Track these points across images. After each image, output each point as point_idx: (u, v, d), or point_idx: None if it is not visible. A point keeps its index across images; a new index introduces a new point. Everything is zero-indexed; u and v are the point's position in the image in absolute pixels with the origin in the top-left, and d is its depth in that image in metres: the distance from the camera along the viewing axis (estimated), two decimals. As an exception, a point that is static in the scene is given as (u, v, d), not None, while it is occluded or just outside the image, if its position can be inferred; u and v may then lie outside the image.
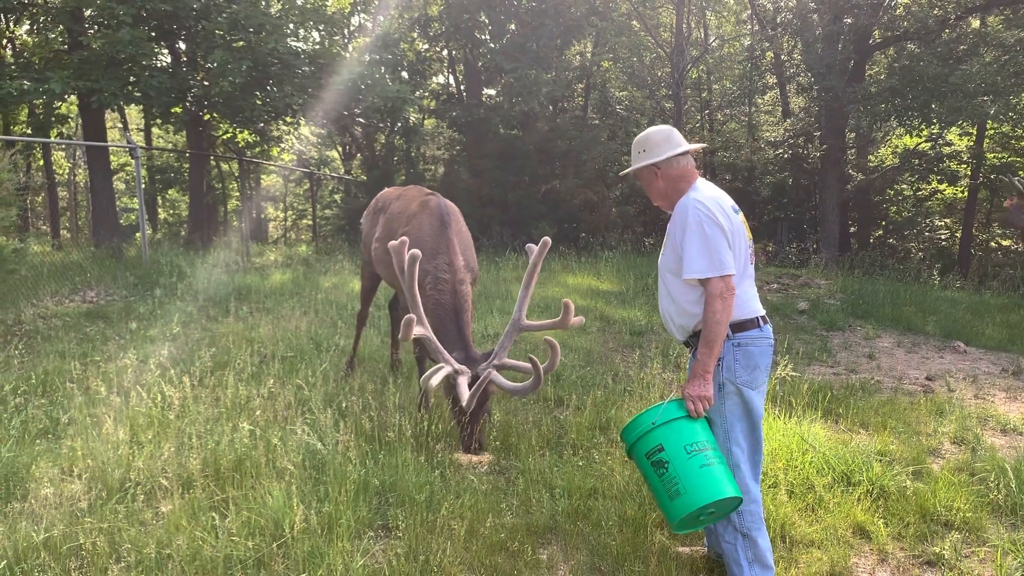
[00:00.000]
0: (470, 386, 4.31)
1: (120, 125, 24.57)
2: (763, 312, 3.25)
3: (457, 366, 4.43)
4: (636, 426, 3.14)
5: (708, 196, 3.14)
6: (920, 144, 18.61)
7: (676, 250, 3.16)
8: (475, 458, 4.53)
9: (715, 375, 3.13)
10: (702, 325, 3.06)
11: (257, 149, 20.09)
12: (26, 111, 17.86)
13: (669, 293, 3.29)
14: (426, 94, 19.96)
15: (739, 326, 3.14)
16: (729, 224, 3.09)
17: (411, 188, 6.02)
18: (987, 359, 8.07)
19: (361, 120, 18.88)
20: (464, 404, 4.24)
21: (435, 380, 4.23)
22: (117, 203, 19.00)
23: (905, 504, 4.09)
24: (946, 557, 3.61)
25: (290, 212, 29.33)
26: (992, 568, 3.55)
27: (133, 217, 24.34)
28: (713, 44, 23.66)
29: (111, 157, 16.71)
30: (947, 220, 20.74)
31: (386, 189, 6.40)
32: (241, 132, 18.07)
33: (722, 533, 3.22)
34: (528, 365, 4.24)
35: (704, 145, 3.58)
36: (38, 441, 4.55)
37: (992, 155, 18.17)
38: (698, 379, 3.05)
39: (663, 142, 3.25)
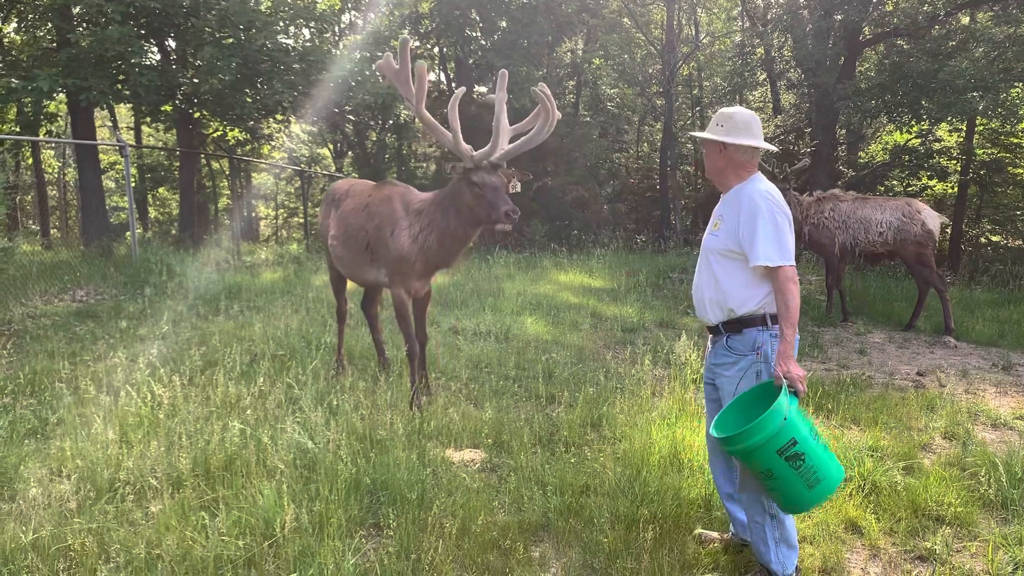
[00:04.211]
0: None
1: (110, 123, 24.43)
2: None
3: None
4: (764, 426, 2.92)
5: (773, 188, 3.26)
6: (910, 140, 18.68)
7: (734, 234, 3.22)
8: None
9: (753, 365, 3.21)
10: (781, 310, 3.11)
11: (248, 147, 20.02)
12: (14, 109, 17.71)
13: (714, 275, 3.33)
14: (417, 91, 19.87)
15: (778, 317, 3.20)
16: (789, 217, 3.21)
17: (359, 183, 6.19)
18: (977, 354, 8.10)
19: (352, 117, 18.84)
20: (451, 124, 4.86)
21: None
22: (107, 202, 18.89)
23: (896, 499, 4.10)
24: (937, 552, 3.62)
25: (281, 210, 29.20)
26: (983, 563, 3.56)
27: (123, 216, 24.22)
28: (704, 41, 23.69)
29: (101, 155, 16.61)
30: (937, 216, 20.76)
31: (337, 182, 6.50)
32: (231, 130, 18.02)
33: (751, 514, 3.27)
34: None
35: (776, 149, 3.56)
36: (26, 441, 4.51)
37: (982, 151, 18.25)
38: (791, 360, 3.09)
39: (743, 127, 3.30)
